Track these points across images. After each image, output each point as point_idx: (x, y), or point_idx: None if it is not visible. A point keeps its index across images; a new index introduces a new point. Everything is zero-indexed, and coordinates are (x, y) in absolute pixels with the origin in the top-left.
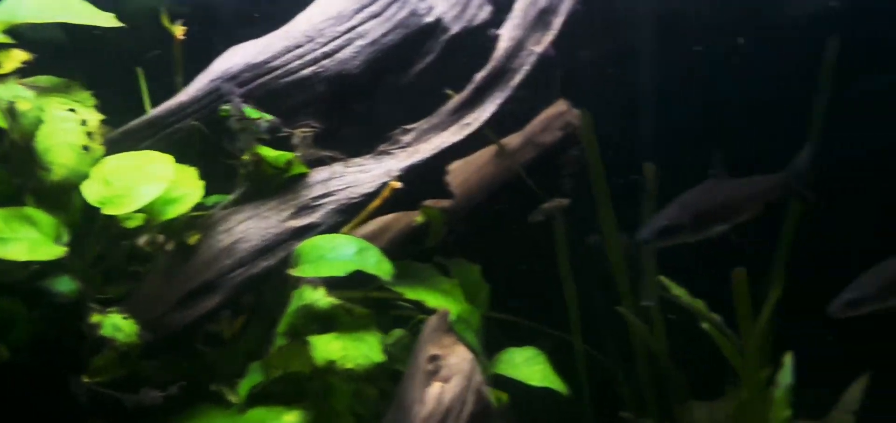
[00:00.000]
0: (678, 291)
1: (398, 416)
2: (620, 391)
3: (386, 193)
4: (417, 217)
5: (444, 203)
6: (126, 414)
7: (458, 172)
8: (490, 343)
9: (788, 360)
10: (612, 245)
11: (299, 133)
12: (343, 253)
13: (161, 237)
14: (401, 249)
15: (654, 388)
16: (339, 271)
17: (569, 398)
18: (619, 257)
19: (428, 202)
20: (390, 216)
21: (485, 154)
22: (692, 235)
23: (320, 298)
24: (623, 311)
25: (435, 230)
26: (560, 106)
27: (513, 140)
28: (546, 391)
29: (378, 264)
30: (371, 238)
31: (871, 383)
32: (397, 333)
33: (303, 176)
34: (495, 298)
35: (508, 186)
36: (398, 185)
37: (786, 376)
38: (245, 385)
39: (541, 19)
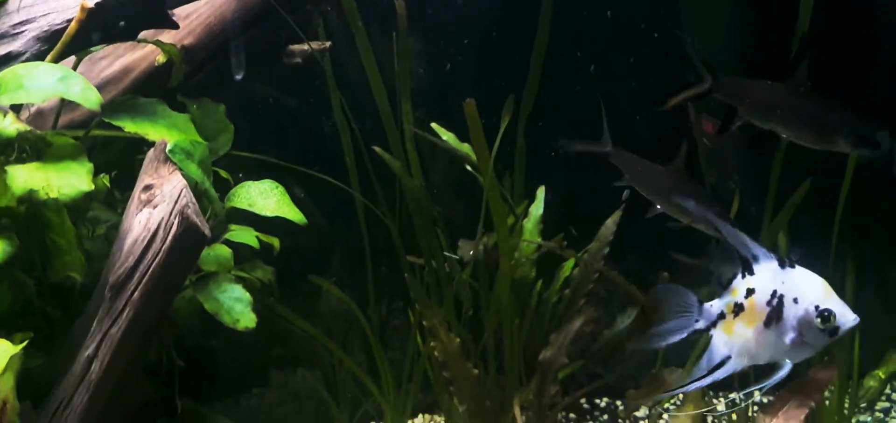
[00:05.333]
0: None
1: (115, 246)
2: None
3: (79, 15)
4: (159, 57)
5: (185, 41)
6: None
7: (202, 12)
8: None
9: (540, 193)
10: None
11: None
12: (44, 81)
13: None
14: (145, 90)
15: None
16: (39, 98)
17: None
18: None
19: (149, 32)
20: (132, 57)
21: None
22: None
23: (8, 125)
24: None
25: (176, 69)
26: None
27: None
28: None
29: (83, 93)
30: (114, 81)
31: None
32: None
33: (2, 3)
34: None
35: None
36: (90, 5)
37: (537, 207)
38: None
39: None
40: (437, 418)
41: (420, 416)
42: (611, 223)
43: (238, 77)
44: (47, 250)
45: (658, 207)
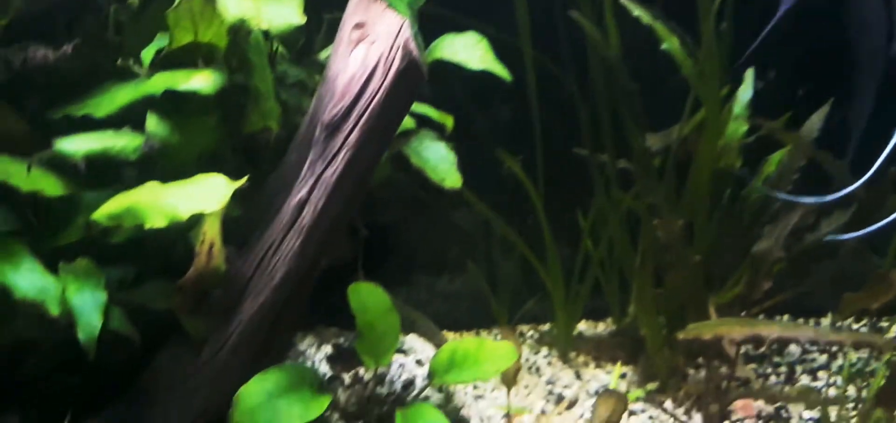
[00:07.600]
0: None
1: (324, 89)
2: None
3: None
4: None
5: None
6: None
7: None
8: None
9: (749, 75)
10: None
11: None
12: None
13: None
14: None
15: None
16: None
17: None
18: None
19: None
20: None
21: None
22: None
23: None
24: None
25: None
26: None
27: None
28: None
29: None
30: None
31: None
32: None
33: None
34: None
35: None
36: None
37: (745, 91)
38: (149, 52)
39: None
40: (602, 324)
41: (583, 321)
42: (816, 119)
43: None
44: (247, 96)
45: None
